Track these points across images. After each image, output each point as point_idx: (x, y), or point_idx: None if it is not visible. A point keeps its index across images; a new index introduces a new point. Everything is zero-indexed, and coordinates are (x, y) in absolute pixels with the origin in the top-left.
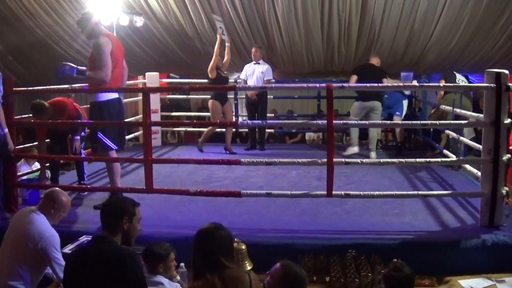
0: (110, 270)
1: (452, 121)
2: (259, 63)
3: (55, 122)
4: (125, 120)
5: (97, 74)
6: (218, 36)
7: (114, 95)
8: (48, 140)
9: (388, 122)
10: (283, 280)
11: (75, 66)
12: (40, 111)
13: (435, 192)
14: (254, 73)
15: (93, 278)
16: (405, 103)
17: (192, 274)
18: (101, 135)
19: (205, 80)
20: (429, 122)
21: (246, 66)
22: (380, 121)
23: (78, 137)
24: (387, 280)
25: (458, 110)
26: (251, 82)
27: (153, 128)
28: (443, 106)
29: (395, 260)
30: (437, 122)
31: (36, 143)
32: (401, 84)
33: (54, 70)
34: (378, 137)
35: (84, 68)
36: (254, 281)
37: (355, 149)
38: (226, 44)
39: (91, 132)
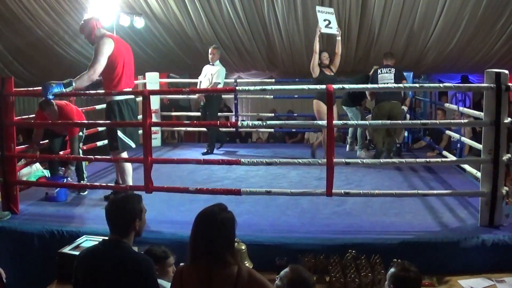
0: (125, 277)
1: (452, 121)
2: (213, 65)
3: (55, 123)
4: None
5: (83, 76)
6: (317, 31)
7: (125, 96)
8: (47, 141)
9: (388, 122)
10: (291, 284)
11: (60, 82)
12: (46, 104)
13: (435, 192)
14: (206, 75)
15: (106, 284)
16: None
17: (189, 253)
18: (122, 134)
19: None
20: (429, 121)
21: (204, 69)
22: (381, 121)
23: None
24: (396, 280)
25: (461, 108)
26: (203, 85)
27: (153, 128)
28: (446, 104)
29: (400, 260)
30: (437, 121)
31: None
32: (401, 85)
33: (43, 92)
34: (370, 138)
35: (69, 79)
36: (244, 273)
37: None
38: (337, 38)
39: (110, 131)
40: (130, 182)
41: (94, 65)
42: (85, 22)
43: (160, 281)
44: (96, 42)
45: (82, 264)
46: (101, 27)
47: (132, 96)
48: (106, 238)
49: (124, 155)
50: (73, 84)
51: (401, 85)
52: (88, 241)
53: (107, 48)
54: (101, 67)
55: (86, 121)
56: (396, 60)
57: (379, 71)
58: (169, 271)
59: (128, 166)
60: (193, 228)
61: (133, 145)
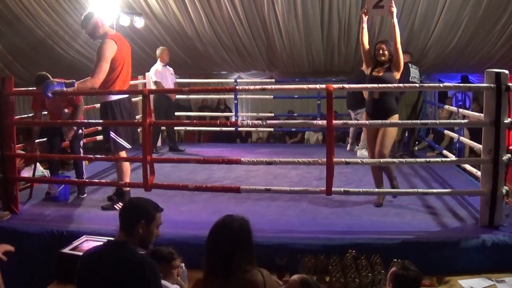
0: (128, 279)
1: (452, 121)
2: (166, 66)
3: (54, 122)
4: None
5: (86, 82)
6: (361, 15)
7: (125, 94)
8: (45, 139)
9: (388, 121)
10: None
11: (62, 81)
12: (41, 80)
13: (434, 190)
14: (168, 76)
15: (110, 286)
16: None
17: (204, 268)
18: (114, 135)
19: (205, 80)
20: (429, 121)
21: (160, 69)
22: (381, 121)
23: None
24: (396, 279)
25: (461, 110)
26: (168, 85)
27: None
28: (446, 106)
29: (400, 260)
30: (437, 121)
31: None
32: (401, 85)
33: (43, 90)
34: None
35: (72, 80)
36: (267, 278)
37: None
38: (392, 20)
39: (104, 132)
40: (127, 181)
41: (99, 74)
42: (88, 18)
43: (163, 282)
44: (95, 38)
45: (86, 265)
46: (105, 24)
47: (127, 95)
48: (111, 239)
49: (123, 154)
50: (75, 85)
51: (401, 85)
52: (88, 241)
53: (110, 52)
54: (105, 74)
55: (81, 121)
56: None
57: (410, 64)
58: (173, 273)
59: (126, 166)
60: (208, 239)
61: (128, 146)
